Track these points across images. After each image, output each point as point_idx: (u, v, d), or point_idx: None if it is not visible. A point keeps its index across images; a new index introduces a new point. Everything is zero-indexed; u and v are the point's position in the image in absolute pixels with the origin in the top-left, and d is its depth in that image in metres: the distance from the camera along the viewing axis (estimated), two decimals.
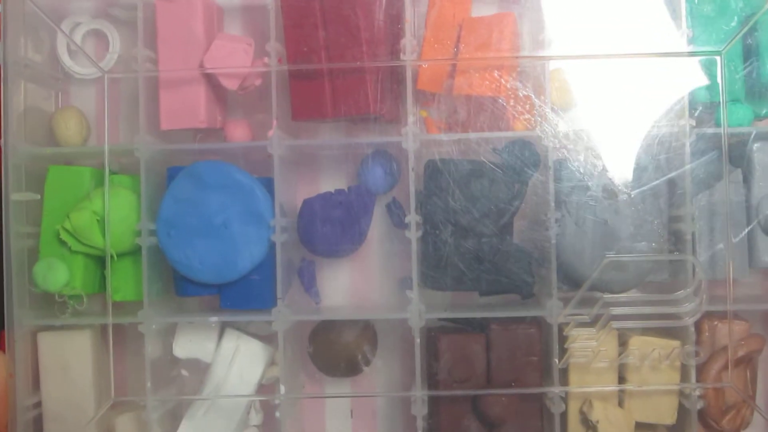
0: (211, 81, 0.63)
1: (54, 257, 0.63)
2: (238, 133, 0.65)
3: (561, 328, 0.59)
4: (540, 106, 0.59)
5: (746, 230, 0.61)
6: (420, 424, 0.61)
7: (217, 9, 0.66)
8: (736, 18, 0.59)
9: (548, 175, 0.58)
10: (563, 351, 0.60)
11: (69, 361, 0.63)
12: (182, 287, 0.64)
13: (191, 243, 0.62)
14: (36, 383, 0.63)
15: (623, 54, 0.56)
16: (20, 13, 0.64)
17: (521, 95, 0.60)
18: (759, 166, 0.61)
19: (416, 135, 0.60)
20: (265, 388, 0.66)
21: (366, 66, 0.60)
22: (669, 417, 0.61)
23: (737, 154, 0.61)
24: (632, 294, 0.61)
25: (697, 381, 0.60)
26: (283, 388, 0.62)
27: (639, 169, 0.59)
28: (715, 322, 0.61)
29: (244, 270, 0.62)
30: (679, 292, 0.58)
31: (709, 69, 0.58)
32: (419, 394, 0.60)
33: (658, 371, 0.60)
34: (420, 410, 0.60)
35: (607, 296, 0.59)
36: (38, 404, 0.63)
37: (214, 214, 0.62)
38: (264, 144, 0.61)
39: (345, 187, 0.65)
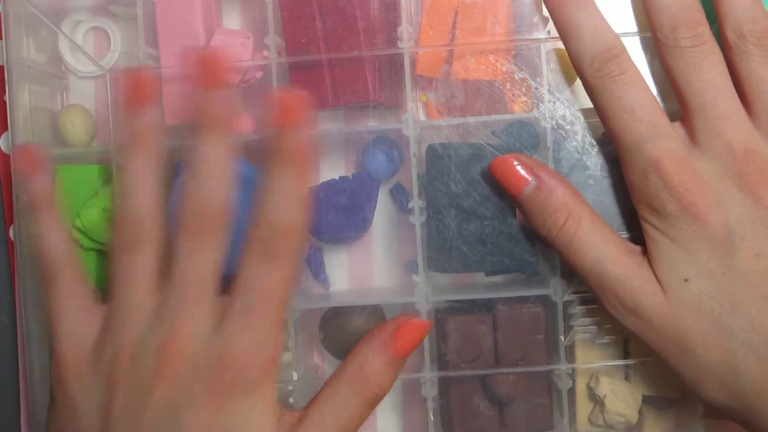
0: None
1: None
2: (241, 126, 0.66)
3: (566, 306, 0.60)
4: (537, 88, 0.60)
5: None
6: (431, 404, 0.62)
7: (215, 3, 0.66)
8: None
9: (547, 155, 0.59)
10: (569, 328, 0.61)
11: None
12: None
13: None
14: None
15: (620, 33, 0.56)
16: (21, 14, 0.65)
17: (517, 78, 0.61)
18: None
19: (416, 121, 0.61)
20: (279, 374, 0.66)
21: (364, 55, 0.61)
22: (674, 390, 0.62)
23: None
24: None
25: None
26: (295, 375, 0.63)
27: None
28: None
29: None
30: None
31: None
32: (429, 375, 0.62)
33: None
34: (430, 391, 0.62)
35: None
36: None
37: None
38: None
39: (348, 174, 0.66)
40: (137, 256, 0.53)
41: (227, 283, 0.52)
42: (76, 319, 0.54)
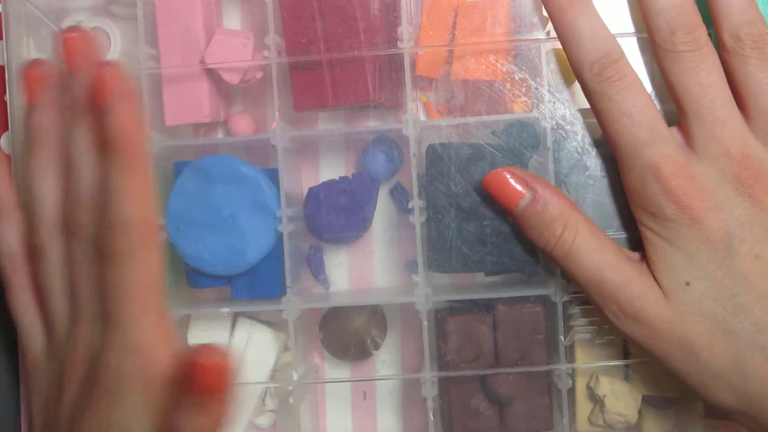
0: (213, 76, 0.64)
1: None
2: (242, 125, 0.66)
3: (566, 306, 0.60)
4: (537, 88, 0.60)
5: None
6: (430, 404, 0.62)
7: (215, 3, 0.66)
8: None
9: (547, 156, 0.59)
10: (568, 328, 0.61)
11: None
12: (194, 279, 0.65)
13: (201, 236, 0.63)
14: None
15: (617, 34, 0.56)
16: (21, 14, 0.65)
17: (517, 78, 0.61)
18: None
19: (416, 121, 0.61)
20: (279, 374, 0.67)
21: (364, 55, 0.61)
22: (674, 390, 0.62)
23: None
24: None
25: None
26: (295, 375, 0.63)
27: None
28: None
29: (253, 260, 0.63)
30: None
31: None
32: (429, 375, 0.62)
33: None
34: (430, 391, 0.62)
35: None
36: None
37: (221, 206, 0.63)
38: (267, 136, 0.62)
39: (348, 174, 0.66)
40: (45, 264, 0.51)
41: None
42: (33, 324, 0.53)
